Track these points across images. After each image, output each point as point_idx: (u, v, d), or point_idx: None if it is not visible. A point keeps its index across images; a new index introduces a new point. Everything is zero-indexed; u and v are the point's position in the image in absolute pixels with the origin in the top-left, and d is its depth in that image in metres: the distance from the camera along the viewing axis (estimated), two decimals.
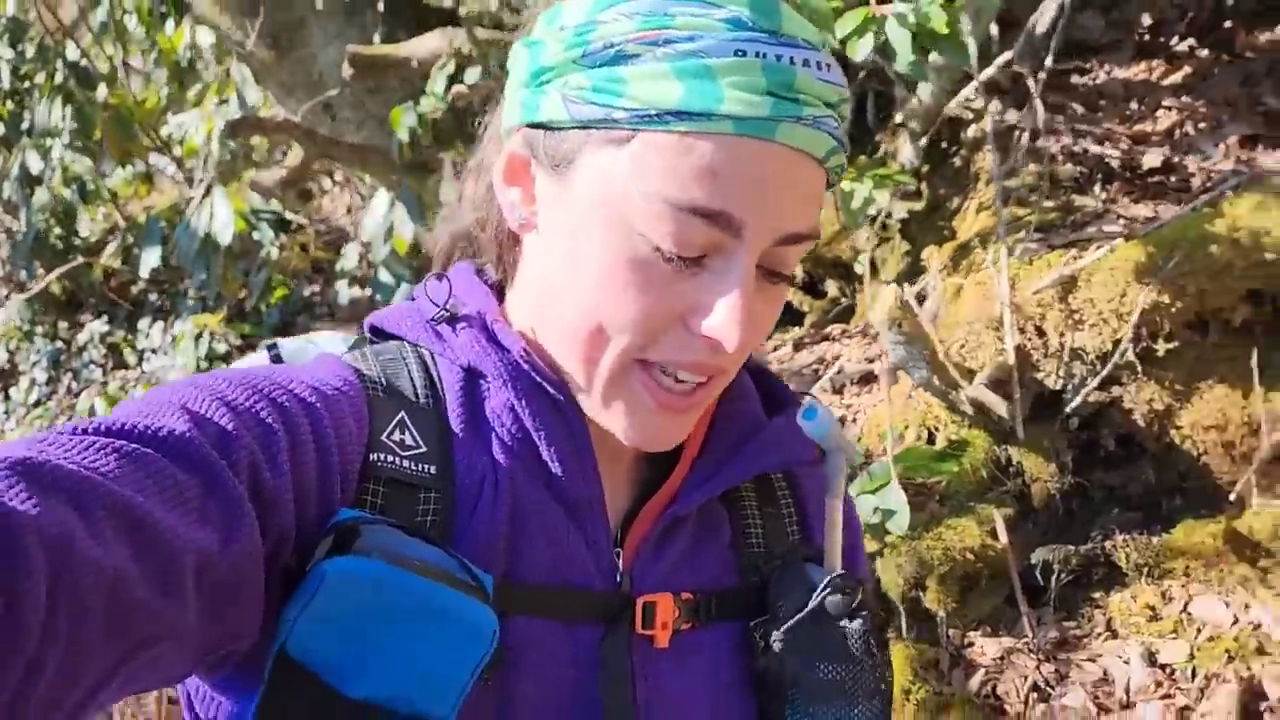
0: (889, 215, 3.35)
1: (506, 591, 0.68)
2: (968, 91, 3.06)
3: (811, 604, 0.76)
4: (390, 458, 0.70)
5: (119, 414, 0.59)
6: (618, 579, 0.75)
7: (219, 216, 4.32)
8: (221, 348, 4.97)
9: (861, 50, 1.87)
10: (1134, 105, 3.31)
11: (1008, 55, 2.65)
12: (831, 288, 3.75)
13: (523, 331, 0.77)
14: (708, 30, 0.64)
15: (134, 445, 0.56)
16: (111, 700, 0.52)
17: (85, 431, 0.56)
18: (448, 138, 4.06)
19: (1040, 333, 2.43)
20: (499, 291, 0.82)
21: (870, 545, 2.35)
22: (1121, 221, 2.65)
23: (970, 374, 2.41)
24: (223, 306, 5.10)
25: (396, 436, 0.71)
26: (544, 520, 0.73)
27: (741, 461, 0.80)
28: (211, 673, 0.67)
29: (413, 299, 0.83)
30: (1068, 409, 2.39)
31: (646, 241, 0.66)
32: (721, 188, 0.64)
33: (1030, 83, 2.81)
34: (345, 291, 4.58)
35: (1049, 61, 2.84)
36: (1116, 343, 2.32)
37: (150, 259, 4.89)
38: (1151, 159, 2.96)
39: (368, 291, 4.98)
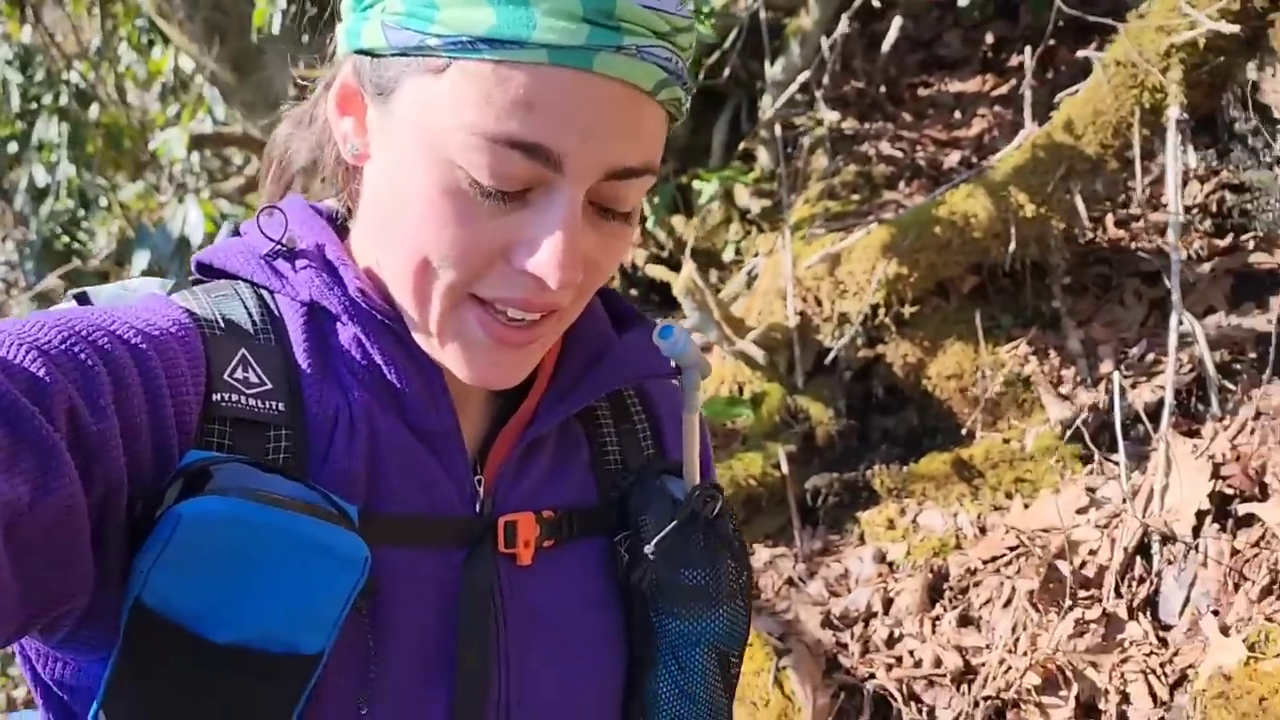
0: (748, 210, 3.88)
1: (370, 523, 0.66)
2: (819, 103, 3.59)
3: (682, 513, 0.77)
4: (234, 396, 0.67)
5: None
6: (478, 505, 0.75)
7: (190, 219, 4.91)
8: None
9: None
10: (957, 114, 3.82)
11: (805, 74, 3.18)
12: (713, 276, 4.29)
13: (368, 267, 0.75)
14: None
15: None
16: None
17: None
18: None
19: (817, 301, 2.96)
20: (341, 225, 0.80)
21: None
22: (901, 210, 3.17)
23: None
24: None
25: (239, 375, 0.69)
26: (401, 452, 0.72)
27: (595, 379, 0.80)
28: (48, 634, 0.64)
29: (238, 234, 0.80)
30: (833, 362, 2.91)
31: (465, 175, 0.64)
32: (538, 120, 0.62)
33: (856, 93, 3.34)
34: None
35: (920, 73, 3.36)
36: (875, 308, 2.84)
37: (141, 260, 5.49)
38: (951, 159, 3.47)
39: None
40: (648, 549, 0.77)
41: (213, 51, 4.37)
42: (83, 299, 0.71)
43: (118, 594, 0.60)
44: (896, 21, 3.85)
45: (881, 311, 2.82)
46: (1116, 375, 2.33)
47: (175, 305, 0.70)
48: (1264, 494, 2.12)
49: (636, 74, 0.63)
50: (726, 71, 3.69)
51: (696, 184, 3.55)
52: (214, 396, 0.67)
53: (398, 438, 0.72)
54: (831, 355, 2.89)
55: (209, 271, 0.77)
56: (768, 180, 3.78)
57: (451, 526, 0.74)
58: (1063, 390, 2.67)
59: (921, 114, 3.86)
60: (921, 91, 4.11)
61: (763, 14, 3.39)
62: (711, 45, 3.61)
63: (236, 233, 0.80)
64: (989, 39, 4.24)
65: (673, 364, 0.80)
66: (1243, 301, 2.61)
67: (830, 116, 3.70)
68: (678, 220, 3.98)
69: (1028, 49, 3.00)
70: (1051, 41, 4.17)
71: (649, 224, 3.88)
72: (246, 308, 0.73)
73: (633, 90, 0.64)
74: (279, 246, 0.74)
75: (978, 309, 2.78)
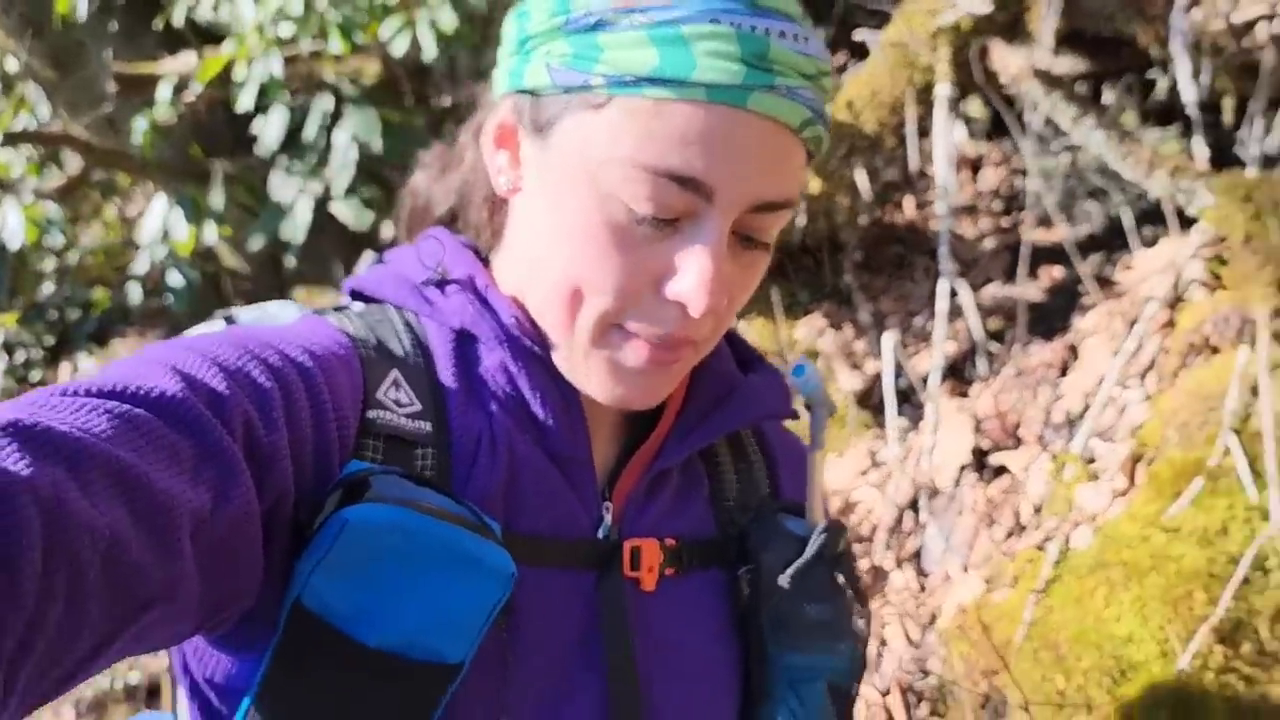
0: None
1: (510, 541, 0.69)
2: None
3: (811, 548, 0.80)
4: (387, 415, 0.71)
5: (110, 375, 0.58)
6: (605, 530, 0.78)
7: (9, 223, 4.70)
8: (21, 356, 5.31)
9: (398, 47, 2.41)
10: None
11: None
12: None
13: (511, 296, 0.78)
14: (683, 0, 0.66)
15: (126, 406, 0.55)
16: (117, 658, 0.52)
17: (76, 393, 0.55)
18: (220, 147, 4.53)
19: None
20: (482, 258, 0.83)
21: None
22: None
23: None
24: (16, 307, 5.45)
25: (392, 394, 0.72)
26: (538, 476, 0.75)
27: (721, 417, 0.82)
28: (211, 630, 0.66)
29: (383, 263, 0.84)
30: None
31: (621, 205, 0.68)
32: (693, 153, 0.66)
33: None
34: (138, 295, 4.97)
35: None
36: None
37: None
38: None
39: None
40: (782, 579, 0.79)
41: (28, 45, 4.21)
42: (230, 320, 0.78)
43: (278, 596, 0.63)
44: None
45: None
46: (888, 341, 2.42)
47: (334, 326, 0.75)
48: (1017, 445, 2.21)
49: (786, 113, 0.67)
50: None
51: None
52: (369, 413, 0.70)
53: (535, 462, 0.75)
54: None
55: (359, 297, 0.82)
56: None
57: (581, 549, 0.76)
58: (854, 361, 2.75)
59: None
60: None
61: None
62: None
63: (380, 261, 0.85)
64: None
65: (801, 402, 0.84)
66: (1019, 273, 2.74)
67: None
68: None
69: (820, 32, 3.10)
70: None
71: None
72: (396, 331, 0.77)
73: (782, 128, 0.68)
74: (433, 275, 0.78)
75: (776, 285, 2.85)
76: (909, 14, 2.61)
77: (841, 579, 0.81)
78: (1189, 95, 2.33)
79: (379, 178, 3.88)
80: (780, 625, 0.79)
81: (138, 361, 0.61)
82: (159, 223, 4.46)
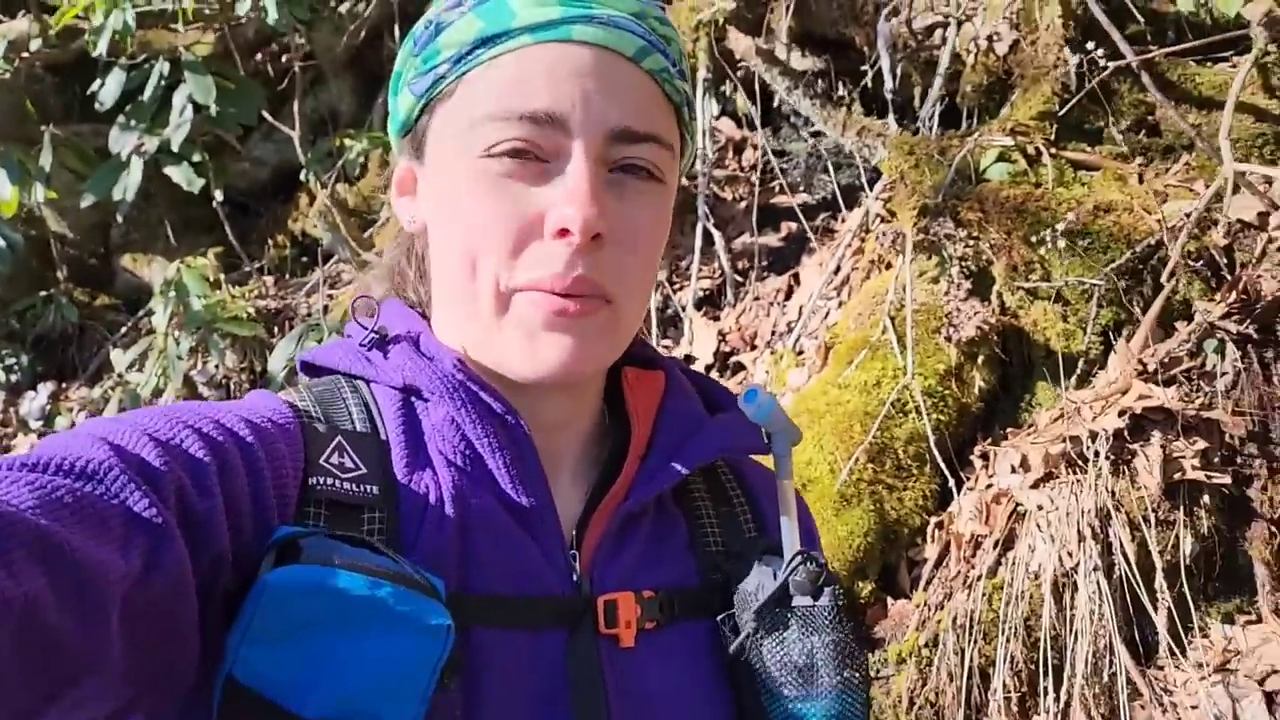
0: None
1: (463, 603, 0.67)
2: None
3: (778, 581, 0.76)
4: (329, 480, 0.69)
5: (41, 450, 0.58)
6: (575, 582, 0.74)
7: None
8: None
9: (242, 8, 2.79)
10: None
11: None
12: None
13: (452, 346, 0.76)
14: None
15: (51, 478, 0.55)
16: None
17: (3, 467, 0.55)
18: (53, 114, 4.69)
19: None
20: (426, 315, 0.83)
21: None
22: None
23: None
24: None
25: (335, 460, 0.71)
26: (494, 531, 0.72)
27: (688, 452, 0.80)
28: (154, 713, 0.64)
29: (345, 336, 0.83)
30: None
31: (489, 159, 0.69)
32: (533, 90, 0.68)
33: None
34: None
35: None
36: None
37: None
38: None
39: None
40: (746, 617, 0.75)
41: None
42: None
43: (214, 677, 0.60)
44: None
45: None
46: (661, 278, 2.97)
47: (277, 398, 0.75)
48: (751, 349, 2.80)
49: (614, 40, 0.70)
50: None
51: (348, 142, 3.94)
52: (310, 480, 0.69)
53: (491, 515, 0.73)
54: None
55: (311, 370, 0.82)
56: None
57: (549, 606, 0.72)
58: None
59: None
60: None
61: None
62: (375, 26, 4.04)
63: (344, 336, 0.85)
64: None
65: (763, 433, 0.81)
66: (766, 227, 3.35)
67: None
68: (341, 187, 4.35)
69: None
70: None
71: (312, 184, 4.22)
72: (344, 399, 0.76)
73: (616, 56, 0.70)
74: (372, 334, 0.77)
75: None
76: (677, 9, 3.18)
77: (826, 611, 0.76)
78: (889, 83, 3.00)
79: (210, 144, 4.18)
80: (765, 669, 0.75)
81: (69, 436, 0.61)
82: None
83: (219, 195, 4.16)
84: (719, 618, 0.78)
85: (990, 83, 2.80)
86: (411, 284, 0.84)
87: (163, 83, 3.75)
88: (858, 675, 0.77)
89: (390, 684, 0.61)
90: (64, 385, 4.89)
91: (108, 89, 3.71)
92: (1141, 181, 2.43)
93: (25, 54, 3.77)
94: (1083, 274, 2.27)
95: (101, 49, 3.08)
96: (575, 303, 0.70)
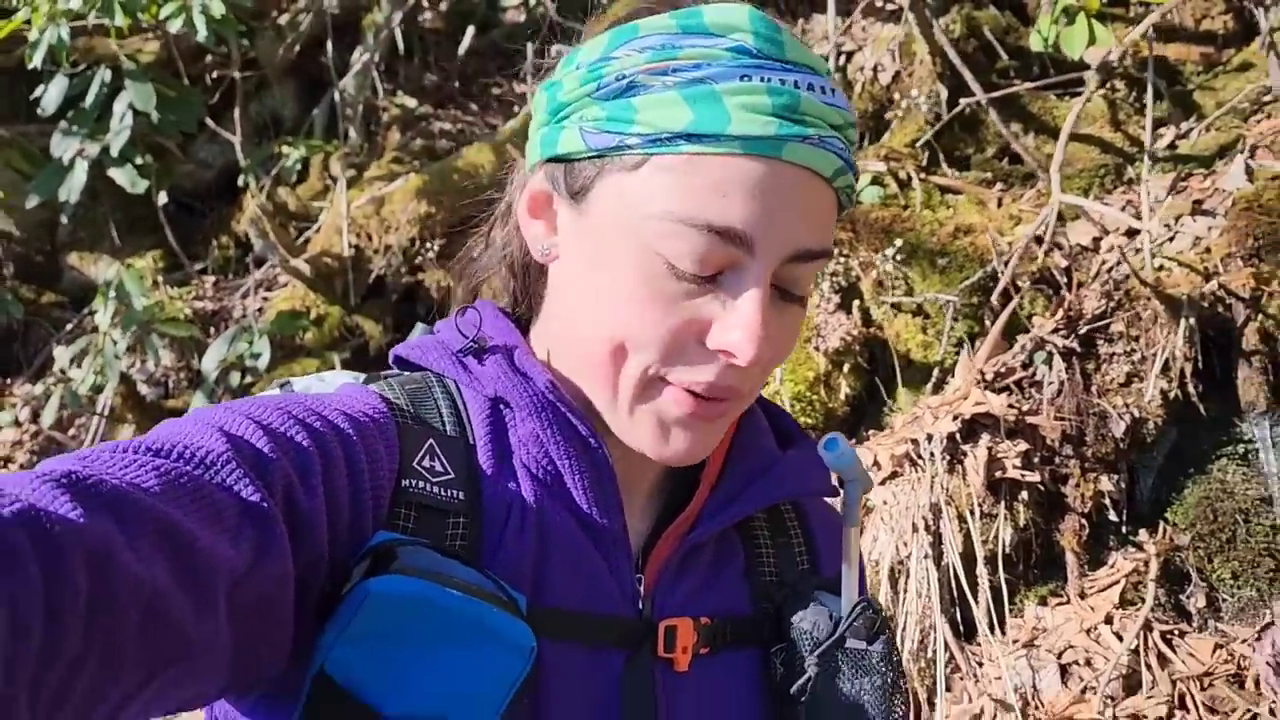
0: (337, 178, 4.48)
1: (534, 615, 0.68)
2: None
3: (842, 628, 0.78)
4: (420, 483, 0.71)
5: (160, 434, 0.60)
6: (639, 605, 0.76)
7: None
8: None
9: (173, 25, 2.95)
10: (516, 107, 4.66)
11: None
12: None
13: (548, 364, 0.79)
14: (714, 59, 0.68)
15: (174, 464, 0.57)
16: (144, 712, 0.53)
17: (129, 450, 0.57)
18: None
19: (369, 235, 3.62)
20: (523, 327, 0.84)
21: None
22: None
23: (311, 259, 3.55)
24: None
25: (426, 463, 0.72)
26: (569, 548, 0.74)
27: (759, 490, 0.82)
28: (242, 695, 0.67)
29: (433, 332, 0.85)
30: (381, 286, 3.57)
31: (661, 260, 0.68)
32: (731, 205, 0.67)
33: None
34: None
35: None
36: (412, 240, 3.54)
37: None
38: (480, 128, 4.28)
39: None
40: (809, 660, 0.77)
41: None
42: (285, 387, 0.79)
43: (305, 664, 0.62)
44: (470, 31, 4.63)
45: (419, 244, 3.53)
46: None
47: (374, 394, 0.75)
48: None
49: (819, 162, 0.68)
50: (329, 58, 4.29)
51: (285, 149, 4.11)
52: (404, 482, 0.70)
53: (567, 532, 0.75)
54: (376, 278, 3.56)
55: (404, 364, 0.83)
56: (357, 153, 4.42)
57: (613, 626, 0.75)
58: None
59: (487, 105, 4.66)
60: (495, 90, 4.92)
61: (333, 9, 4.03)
62: (315, 36, 4.20)
63: (431, 331, 0.85)
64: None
65: (834, 478, 0.82)
66: None
67: (409, 102, 4.40)
68: (283, 190, 4.51)
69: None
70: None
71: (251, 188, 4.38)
72: (435, 400, 0.77)
73: (815, 177, 0.69)
74: (471, 344, 0.78)
75: None
76: None
77: (877, 660, 0.79)
78: None
79: (154, 147, 4.32)
80: (814, 706, 0.77)
81: (187, 422, 0.62)
82: None
83: (163, 198, 4.30)
84: (772, 649, 0.80)
85: (875, 110, 3.02)
86: (512, 294, 0.85)
87: (104, 89, 3.88)
88: (899, 714, 0.79)
89: (471, 695, 0.63)
90: (8, 380, 5.01)
91: (50, 95, 3.84)
92: (1000, 206, 2.66)
93: None
94: (941, 290, 2.49)
95: (37, 61, 3.23)
96: (716, 407, 0.72)
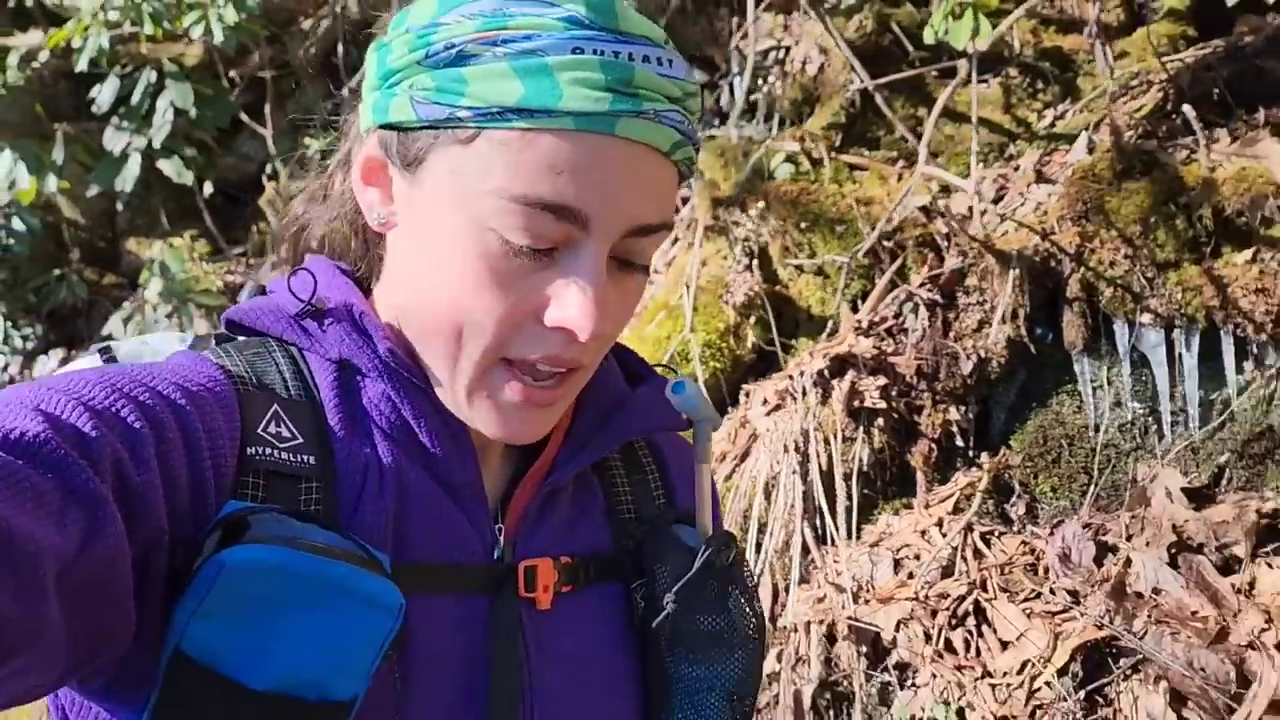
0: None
1: (397, 572, 0.67)
2: None
3: (699, 562, 0.80)
4: (267, 450, 0.69)
5: None
6: (497, 552, 0.77)
7: None
8: None
9: (195, 32, 3.44)
10: None
11: None
12: None
13: (390, 324, 0.77)
14: (545, 29, 0.66)
15: None
16: None
17: None
18: (67, 114, 5.38)
19: None
20: (362, 285, 0.82)
21: None
22: None
23: None
24: None
25: (272, 429, 0.70)
26: (428, 504, 0.75)
27: (611, 431, 0.83)
28: (86, 682, 0.65)
29: (264, 293, 0.82)
30: None
31: (496, 236, 0.67)
32: (565, 182, 0.66)
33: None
34: None
35: None
36: None
37: None
38: None
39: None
40: (668, 597, 0.79)
41: None
42: (105, 352, 0.76)
43: (155, 645, 0.61)
44: None
45: None
46: None
47: (211, 363, 0.73)
48: None
49: (655, 136, 0.68)
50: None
51: (306, 140, 4.60)
52: (248, 450, 0.68)
53: (425, 490, 0.75)
54: None
55: (238, 329, 0.79)
56: None
57: (475, 573, 0.75)
58: None
59: None
60: None
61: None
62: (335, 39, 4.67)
63: (262, 291, 0.83)
64: None
65: (684, 417, 0.84)
66: None
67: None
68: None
69: None
70: None
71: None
72: (277, 365, 0.75)
73: (651, 151, 0.68)
74: (308, 306, 0.76)
75: None
76: None
77: (734, 589, 0.82)
78: (737, 95, 3.59)
79: (197, 142, 4.85)
80: (675, 637, 0.80)
81: None
82: (5, 173, 5.28)
83: (208, 188, 4.83)
84: (632, 585, 0.83)
85: (804, 98, 3.39)
86: (354, 254, 0.83)
87: (150, 89, 4.41)
88: (756, 646, 0.82)
89: (341, 658, 0.62)
90: (72, 352, 5.62)
91: (103, 95, 4.38)
92: (900, 180, 3.01)
93: (35, 64, 4.45)
94: (839, 253, 2.86)
95: (83, 65, 3.75)
96: (553, 392, 0.74)
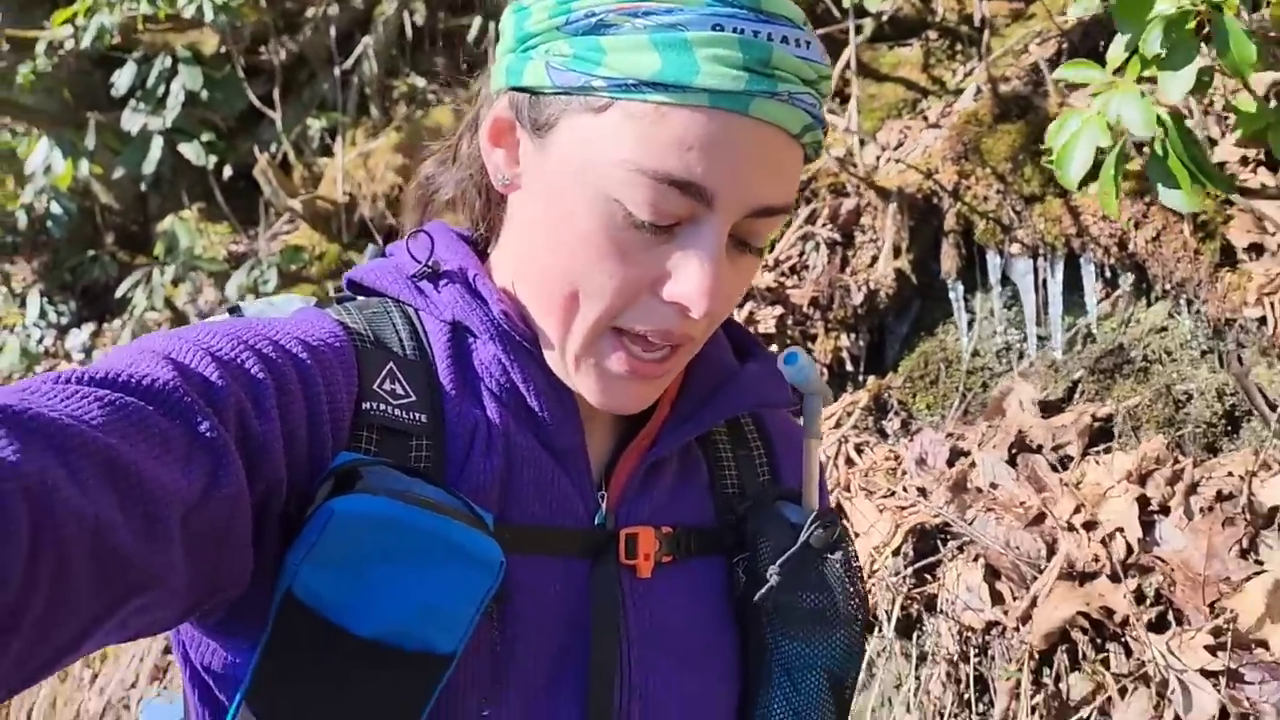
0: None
1: (501, 532, 0.69)
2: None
3: (803, 538, 0.80)
4: (381, 406, 0.71)
5: (104, 363, 0.59)
6: (600, 519, 0.78)
7: None
8: None
9: (188, 12, 3.77)
10: None
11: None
12: None
13: (504, 288, 0.78)
14: (687, 4, 0.66)
15: (118, 394, 0.56)
16: (106, 642, 0.54)
17: (69, 380, 0.56)
18: (97, 103, 5.78)
19: (359, 185, 4.38)
20: (479, 250, 0.83)
21: None
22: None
23: None
24: None
25: (387, 386, 0.72)
26: (533, 466, 0.76)
27: (718, 405, 0.83)
28: (204, 619, 0.67)
29: (385, 255, 0.84)
30: (368, 227, 4.34)
31: (621, 208, 0.68)
32: (695, 159, 0.66)
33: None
34: (23, 218, 6.19)
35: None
36: (391, 187, 4.28)
37: None
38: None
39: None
40: (771, 570, 0.80)
41: None
42: (235, 312, 0.77)
43: (269, 587, 0.63)
44: (476, 21, 5.38)
45: (398, 191, 4.27)
46: None
47: (332, 319, 0.75)
48: None
49: (787, 118, 0.68)
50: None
51: (310, 121, 4.93)
52: (364, 405, 0.71)
53: (531, 453, 0.76)
54: (364, 219, 4.33)
55: (358, 289, 0.82)
56: (380, 126, 5.22)
57: (576, 538, 0.77)
58: None
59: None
60: None
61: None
62: (341, 29, 5.01)
63: (383, 254, 0.85)
64: None
65: (792, 391, 0.84)
66: None
67: (419, 82, 5.18)
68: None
69: None
70: None
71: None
72: (394, 324, 0.77)
73: (782, 133, 0.68)
74: (425, 268, 0.78)
75: None
76: None
77: (838, 567, 0.82)
78: None
79: (215, 127, 5.21)
80: (776, 613, 0.80)
81: (132, 350, 0.61)
82: (43, 158, 5.69)
83: (228, 171, 5.20)
84: (734, 559, 0.83)
85: None
86: (475, 215, 0.84)
87: (164, 73, 4.77)
88: (859, 626, 0.82)
89: (442, 612, 0.64)
90: (102, 326, 6.03)
91: (122, 79, 4.76)
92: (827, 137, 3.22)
93: (62, 51, 4.84)
94: None
95: (86, 43, 4.11)
96: (659, 365, 0.74)
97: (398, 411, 0.72)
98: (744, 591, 0.82)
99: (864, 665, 0.89)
